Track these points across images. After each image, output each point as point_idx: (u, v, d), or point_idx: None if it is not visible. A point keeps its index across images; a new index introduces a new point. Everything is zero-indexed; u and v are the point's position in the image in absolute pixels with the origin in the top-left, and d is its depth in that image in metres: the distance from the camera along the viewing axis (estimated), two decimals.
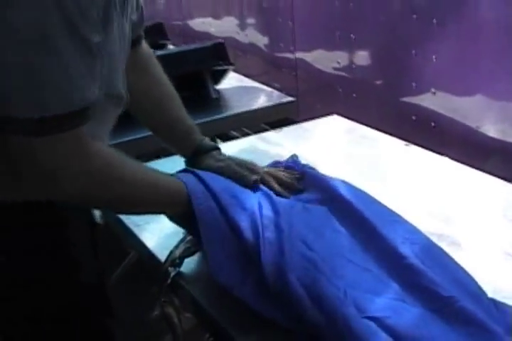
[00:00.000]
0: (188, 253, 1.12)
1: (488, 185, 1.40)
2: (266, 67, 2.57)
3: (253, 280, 0.96)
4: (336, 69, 2.13)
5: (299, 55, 2.33)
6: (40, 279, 0.98)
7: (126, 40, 1.00)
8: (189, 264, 1.15)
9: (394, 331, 0.84)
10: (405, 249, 0.98)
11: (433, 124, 1.77)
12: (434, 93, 1.74)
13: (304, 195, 1.14)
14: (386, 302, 0.90)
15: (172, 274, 1.11)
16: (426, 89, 1.76)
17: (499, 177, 1.41)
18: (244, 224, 0.99)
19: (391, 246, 0.99)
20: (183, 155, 1.25)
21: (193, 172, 1.08)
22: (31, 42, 0.77)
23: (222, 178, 1.10)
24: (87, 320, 1.08)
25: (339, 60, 2.10)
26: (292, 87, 2.37)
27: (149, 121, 1.28)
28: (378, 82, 1.99)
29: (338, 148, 1.69)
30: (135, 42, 1.15)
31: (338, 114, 1.89)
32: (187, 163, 1.24)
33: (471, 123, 1.68)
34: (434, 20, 1.64)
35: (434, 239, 1.08)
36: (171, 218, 1.11)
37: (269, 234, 0.99)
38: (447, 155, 1.53)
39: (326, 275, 0.93)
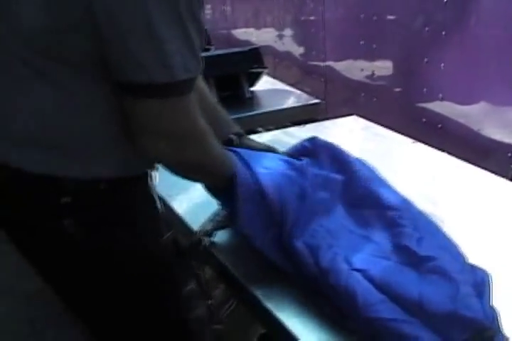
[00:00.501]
0: (219, 226, 1.25)
1: (483, 179, 1.56)
2: (299, 73, 2.79)
3: (271, 237, 1.12)
4: (359, 76, 2.34)
5: (329, 63, 2.54)
6: (114, 250, 1.04)
7: None
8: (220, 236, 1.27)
9: (373, 280, 1.01)
10: (403, 220, 1.15)
11: (439, 126, 1.96)
12: (442, 98, 1.93)
13: (327, 167, 1.29)
14: (372, 259, 1.07)
15: (204, 243, 1.23)
16: (435, 94, 1.96)
17: (495, 173, 1.58)
18: (271, 191, 1.12)
19: (392, 217, 1.16)
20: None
21: (231, 150, 1.20)
22: (166, 15, 0.85)
23: (255, 155, 1.22)
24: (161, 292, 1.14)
25: (363, 68, 2.31)
26: (321, 91, 2.58)
27: None
28: (395, 88, 2.19)
29: (353, 143, 1.87)
30: None
31: (360, 115, 2.09)
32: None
33: (474, 126, 1.86)
34: (443, 32, 1.84)
35: None
36: (209, 189, 1.20)
37: (292, 201, 1.14)
38: (449, 153, 1.72)
39: (327, 242, 1.10)
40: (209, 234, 1.23)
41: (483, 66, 1.80)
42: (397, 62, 2.19)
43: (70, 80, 0.92)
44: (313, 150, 1.35)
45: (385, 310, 0.96)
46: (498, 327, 0.95)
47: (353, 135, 1.96)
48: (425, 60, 1.97)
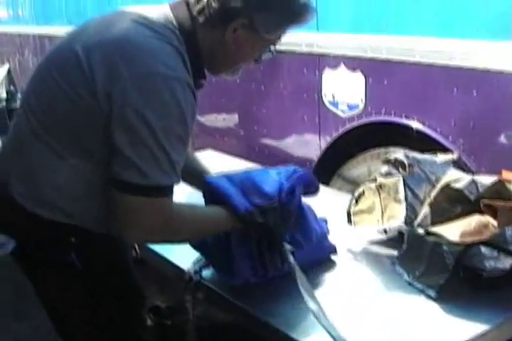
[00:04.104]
0: (204, 265, 1.49)
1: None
2: None
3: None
4: (216, 123, 3.24)
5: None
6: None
7: None
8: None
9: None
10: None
11: (267, 152, 2.88)
12: (266, 133, 2.86)
13: None
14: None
15: (195, 279, 1.47)
16: (261, 130, 2.90)
17: None
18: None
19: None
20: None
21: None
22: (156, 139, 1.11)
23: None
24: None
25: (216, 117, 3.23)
26: None
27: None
28: (239, 129, 3.11)
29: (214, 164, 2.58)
30: None
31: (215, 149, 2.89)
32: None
33: (289, 151, 2.80)
34: (262, 87, 2.79)
35: None
36: (194, 247, 1.46)
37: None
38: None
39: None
40: (198, 271, 1.48)
41: (290, 111, 2.73)
42: (239, 111, 3.14)
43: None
44: None
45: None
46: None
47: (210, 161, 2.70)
48: (254, 107, 2.88)
